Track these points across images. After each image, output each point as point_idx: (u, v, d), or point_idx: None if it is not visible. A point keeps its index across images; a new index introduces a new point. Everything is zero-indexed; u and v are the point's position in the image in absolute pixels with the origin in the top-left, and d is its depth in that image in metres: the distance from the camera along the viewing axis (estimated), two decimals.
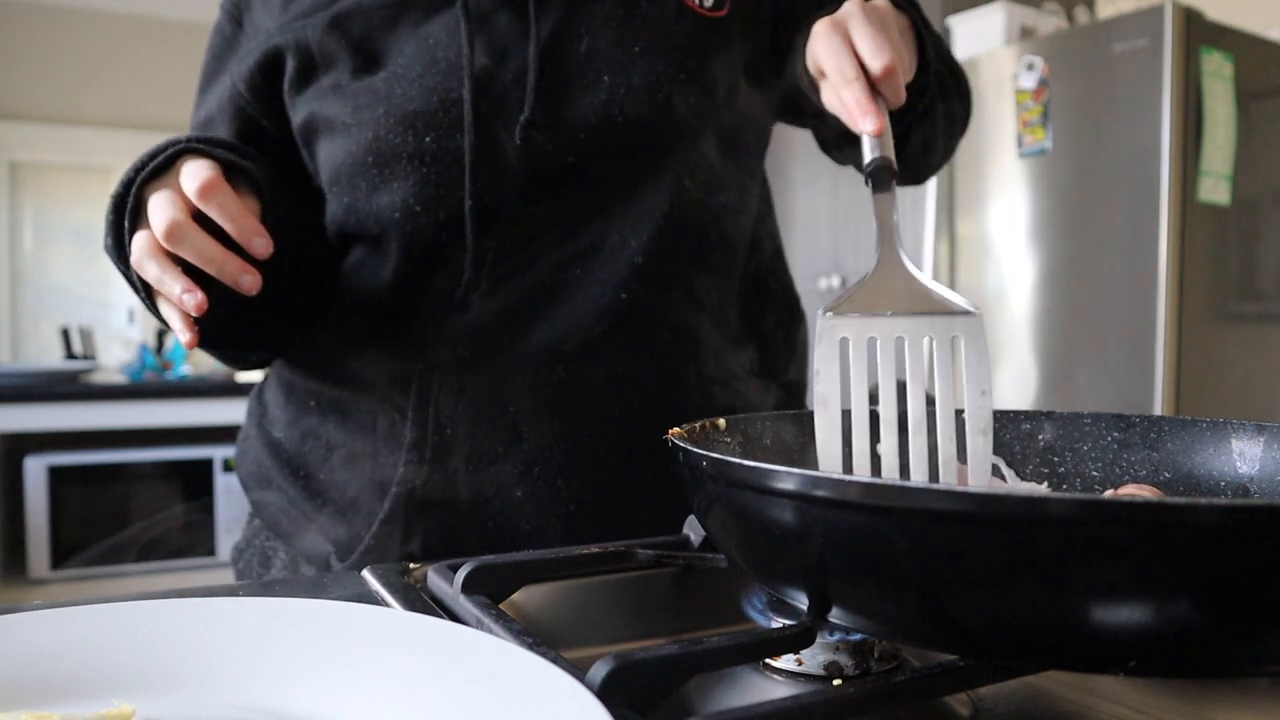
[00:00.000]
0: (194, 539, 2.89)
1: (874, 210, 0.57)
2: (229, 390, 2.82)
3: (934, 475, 0.52)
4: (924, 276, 0.54)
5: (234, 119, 0.79)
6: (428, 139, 0.72)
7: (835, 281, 3.02)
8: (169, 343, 3.24)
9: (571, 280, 0.75)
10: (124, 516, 2.83)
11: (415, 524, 0.75)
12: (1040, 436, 0.62)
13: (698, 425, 0.55)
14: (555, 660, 0.40)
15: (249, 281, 0.63)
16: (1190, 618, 0.33)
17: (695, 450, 0.45)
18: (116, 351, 4.22)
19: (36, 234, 4.80)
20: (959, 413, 0.52)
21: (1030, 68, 2.36)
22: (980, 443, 0.51)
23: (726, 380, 0.80)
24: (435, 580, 0.56)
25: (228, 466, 2.90)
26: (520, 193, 0.74)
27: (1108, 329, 2.25)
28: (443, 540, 0.75)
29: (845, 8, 0.64)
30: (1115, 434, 0.59)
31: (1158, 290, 2.15)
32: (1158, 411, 2.15)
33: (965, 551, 0.35)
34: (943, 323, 0.53)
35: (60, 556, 2.74)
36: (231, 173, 0.68)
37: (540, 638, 0.43)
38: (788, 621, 0.48)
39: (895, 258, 0.55)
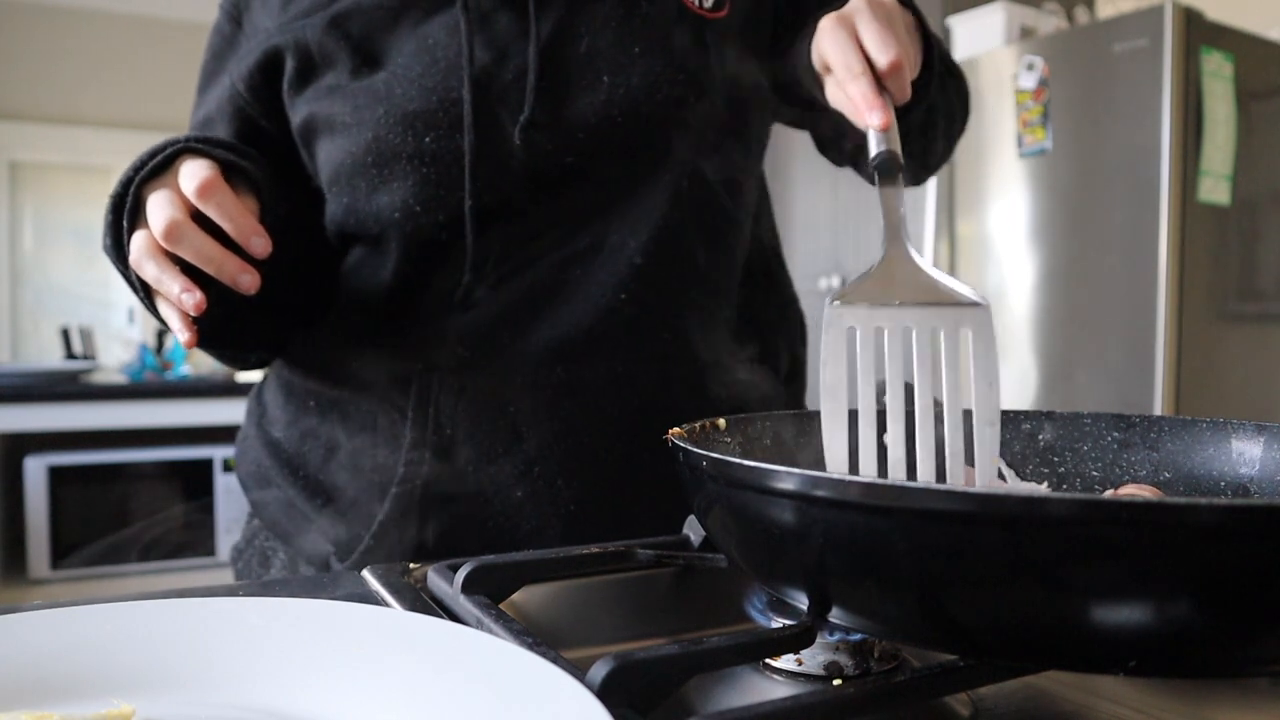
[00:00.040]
0: (194, 539, 2.89)
1: (880, 202, 0.57)
2: (229, 390, 2.82)
3: (941, 467, 0.51)
4: (931, 268, 0.54)
5: (233, 119, 0.79)
6: (427, 139, 0.72)
7: (835, 281, 3.01)
8: (169, 343, 3.23)
9: (571, 280, 0.75)
10: (124, 516, 2.83)
11: (415, 524, 0.75)
12: (1040, 436, 0.62)
13: (698, 425, 0.55)
14: (555, 660, 0.40)
15: (248, 281, 0.63)
16: (1190, 618, 0.33)
17: (695, 450, 0.45)
18: (116, 351, 4.22)
19: (36, 234, 4.79)
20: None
21: (1030, 68, 2.36)
22: (988, 434, 0.51)
23: (726, 380, 0.80)
24: (435, 580, 0.56)
25: (228, 466, 2.90)
26: (520, 193, 0.74)
27: (1108, 329, 2.25)
28: (442, 540, 0.75)
29: (852, 3, 0.64)
30: (1115, 434, 0.59)
31: (1158, 290, 2.15)
32: (1158, 411, 2.15)
33: (965, 551, 0.35)
34: (950, 314, 0.52)
35: (60, 556, 2.74)
36: (230, 173, 0.68)
37: (540, 638, 0.43)
38: (788, 621, 0.48)
39: (903, 249, 0.55)
